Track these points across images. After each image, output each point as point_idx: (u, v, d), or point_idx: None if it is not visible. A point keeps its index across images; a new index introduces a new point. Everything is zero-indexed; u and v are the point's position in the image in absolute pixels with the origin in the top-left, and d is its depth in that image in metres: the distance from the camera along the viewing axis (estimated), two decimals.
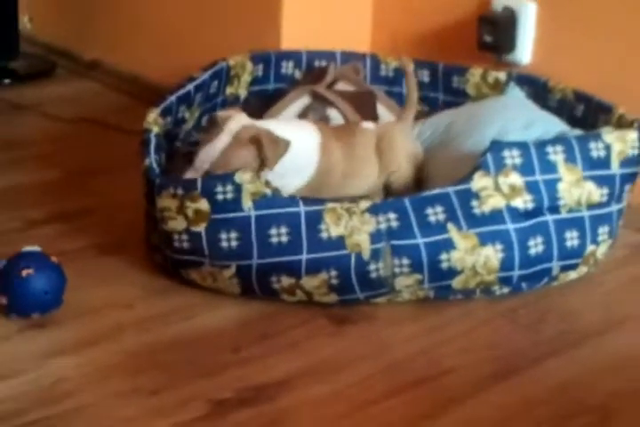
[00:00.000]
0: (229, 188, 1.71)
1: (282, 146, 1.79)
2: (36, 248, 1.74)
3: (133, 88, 2.90)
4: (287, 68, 2.41)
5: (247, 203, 1.71)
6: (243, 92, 2.36)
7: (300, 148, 1.83)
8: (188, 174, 1.78)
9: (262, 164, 1.78)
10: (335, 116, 2.20)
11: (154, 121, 1.94)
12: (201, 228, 1.73)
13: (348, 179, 1.92)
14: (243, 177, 1.71)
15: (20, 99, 2.87)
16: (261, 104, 2.30)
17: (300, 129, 1.91)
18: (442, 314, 1.78)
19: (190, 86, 2.15)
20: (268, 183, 1.72)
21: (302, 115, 2.21)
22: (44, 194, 2.25)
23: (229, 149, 1.78)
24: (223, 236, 1.72)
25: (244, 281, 1.75)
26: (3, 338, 1.66)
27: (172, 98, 2.08)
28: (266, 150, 1.76)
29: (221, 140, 1.78)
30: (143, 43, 2.93)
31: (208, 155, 1.78)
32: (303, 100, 2.25)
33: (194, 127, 2.20)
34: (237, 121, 1.81)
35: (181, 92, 2.12)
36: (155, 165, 1.82)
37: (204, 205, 1.72)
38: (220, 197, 1.71)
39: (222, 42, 2.63)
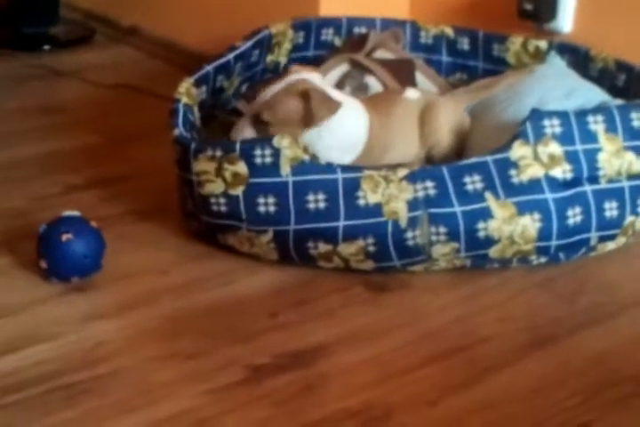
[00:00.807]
0: (268, 151, 1.71)
1: (331, 106, 1.80)
2: (75, 213, 1.76)
3: (171, 54, 2.90)
4: (327, 34, 2.40)
5: (285, 168, 1.71)
6: (283, 60, 2.36)
7: (352, 126, 1.86)
8: (243, 119, 1.81)
9: (307, 119, 1.78)
10: (373, 83, 2.19)
11: (185, 91, 1.94)
12: (239, 191, 1.74)
13: (386, 150, 1.91)
14: (281, 142, 1.71)
15: (59, 65, 2.89)
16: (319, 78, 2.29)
17: (353, 108, 1.89)
18: (478, 283, 1.78)
19: (230, 56, 2.14)
20: (306, 149, 1.72)
21: (340, 82, 2.21)
22: (83, 159, 2.26)
23: (278, 95, 1.80)
24: (261, 200, 1.73)
25: (282, 247, 1.75)
26: (43, 301, 1.69)
27: (209, 68, 2.08)
28: (313, 106, 1.77)
29: (276, 86, 1.81)
30: (181, 9, 2.93)
31: (261, 98, 1.81)
32: (342, 68, 2.24)
33: (233, 95, 2.20)
34: (300, 74, 1.83)
35: (220, 61, 2.11)
36: (185, 133, 1.82)
37: (242, 168, 1.72)
38: (258, 160, 1.72)
39: (260, 9, 2.62)
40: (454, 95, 2.10)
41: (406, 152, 1.94)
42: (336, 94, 1.87)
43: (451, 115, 1.98)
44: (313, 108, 1.77)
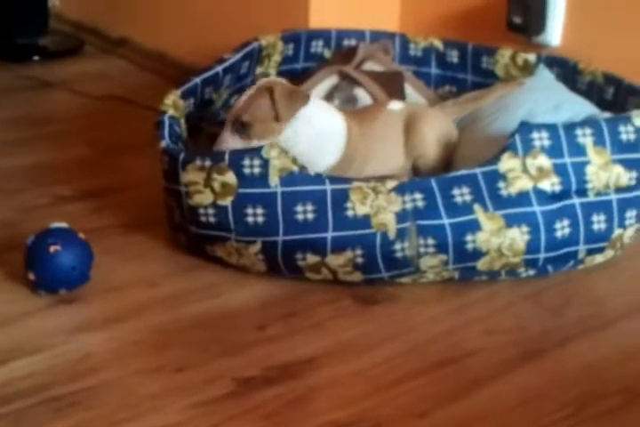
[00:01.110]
0: (256, 162, 1.71)
1: (298, 98, 1.83)
2: (63, 224, 1.75)
3: (161, 66, 2.91)
4: (317, 46, 2.41)
5: (274, 179, 1.71)
6: (272, 72, 2.36)
7: (325, 123, 1.87)
8: (224, 129, 1.84)
9: (277, 114, 1.81)
10: (362, 95, 2.20)
11: (172, 103, 1.95)
12: (227, 201, 1.74)
13: (367, 161, 1.92)
14: (270, 152, 1.71)
15: (48, 76, 2.89)
16: (290, 83, 2.29)
17: (327, 109, 1.92)
18: (466, 295, 1.78)
19: (219, 68, 2.15)
20: (295, 160, 1.72)
21: (330, 94, 2.21)
22: (72, 171, 2.26)
23: (251, 96, 1.82)
24: (249, 211, 1.73)
25: (270, 258, 1.76)
26: (31, 313, 1.68)
27: (197, 80, 2.08)
28: (276, 99, 1.80)
29: (248, 91, 1.84)
30: (171, 21, 2.93)
31: (237, 104, 1.84)
32: (331, 80, 2.25)
33: (222, 108, 2.21)
34: (268, 79, 1.89)
35: (208, 74, 2.12)
36: (172, 144, 1.82)
37: (231, 178, 1.73)
38: (247, 170, 1.72)
39: (250, 21, 2.62)
40: (443, 107, 2.11)
41: (390, 163, 1.95)
42: (314, 101, 1.89)
43: (437, 126, 1.99)
44: (277, 102, 1.80)
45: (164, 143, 1.82)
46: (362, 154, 1.91)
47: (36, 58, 3.05)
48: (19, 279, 1.75)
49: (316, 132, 1.86)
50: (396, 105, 2.02)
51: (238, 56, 2.21)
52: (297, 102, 1.83)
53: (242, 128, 1.82)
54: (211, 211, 1.75)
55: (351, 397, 1.49)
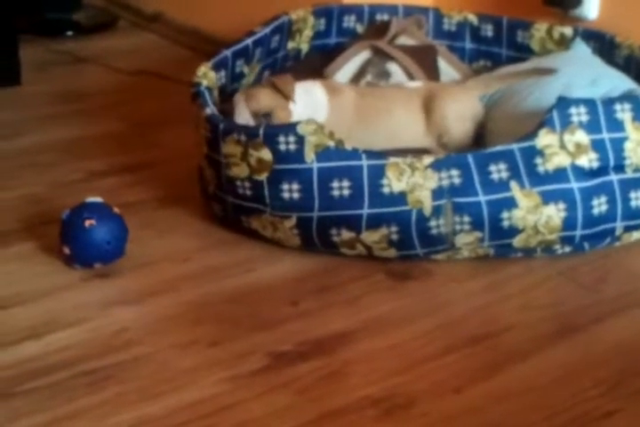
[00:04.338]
0: (292, 138, 1.71)
1: (288, 80, 1.91)
2: (98, 199, 1.76)
3: (194, 41, 2.90)
4: (349, 21, 2.39)
5: (310, 155, 1.71)
6: (304, 47, 2.35)
7: (308, 92, 1.94)
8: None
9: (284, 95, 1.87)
10: (395, 70, 2.19)
11: (203, 75, 1.95)
12: (263, 177, 1.73)
13: (367, 133, 1.94)
14: (305, 128, 1.70)
15: (82, 51, 2.89)
16: (323, 58, 2.29)
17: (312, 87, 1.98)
18: (501, 272, 1.77)
19: (249, 41, 2.14)
20: (331, 135, 1.71)
21: (362, 69, 2.20)
22: (106, 145, 2.26)
23: (250, 103, 1.87)
24: (285, 186, 1.72)
25: (305, 232, 1.75)
26: (66, 287, 1.69)
27: (227, 52, 2.07)
28: (280, 85, 1.86)
29: (239, 108, 1.88)
30: None
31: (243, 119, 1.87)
32: (364, 55, 2.23)
33: (254, 81, 2.20)
34: (237, 94, 1.93)
35: (238, 46, 2.11)
36: (216, 112, 1.82)
37: (266, 154, 1.72)
38: (282, 147, 1.71)
39: None
40: (475, 82, 2.09)
41: (403, 137, 1.95)
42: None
43: (457, 103, 1.98)
44: (282, 87, 1.88)
45: (209, 110, 1.82)
46: (357, 125, 1.94)
47: (69, 33, 3.05)
48: (54, 253, 1.76)
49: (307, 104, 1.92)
50: (413, 83, 2.05)
51: (267, 30, 2.20)
52: (290, 83, 1.90)
53: (265, 120, 1.85)
54: (247, 184, 1.75)
55: (385, 372, 1.49)
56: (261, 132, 1.72)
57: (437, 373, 1.49)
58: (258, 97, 1.88)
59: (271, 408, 1.41)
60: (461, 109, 1.98)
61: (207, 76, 1.96)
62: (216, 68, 2.01)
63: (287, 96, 1.88)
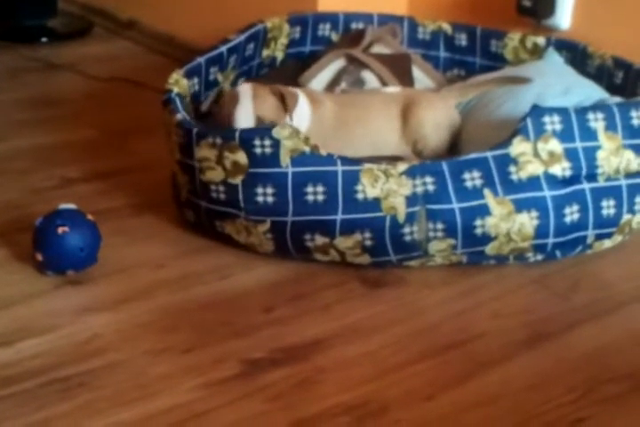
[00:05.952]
0: (267, 142, 1.71)
1: (295, 95, 1.89)
2: (71, 206, 1.75)
3: (169, 48, 2.90)
4: (324, 30, 2.40)
5: (285, 159, 1.71)
6: (279, 55, 2.36)
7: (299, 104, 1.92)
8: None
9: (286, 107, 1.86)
10: (370, 78, 2.19)
11: (175, 82, 1.94)
12: (238, 180, 1.74)
13: (346, 140, 1.94)
14: (280, 132, 1.70)
15: (56, 57, 2.88)
16: (297, 67, 2.29)
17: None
18: (474, 279, 1.78)
19: (223, 48, 2.14)
20: (307, 140, 1.72)
21: (337, 77, 2.21)
22: (79, 152, 2.26)
23: (258, 105, 1.83)
24: (259, 190, 1.72)
25: (279, 237, 1.75)
26: (39, 294, 1.68)
27: (201, 59, 2.07)
28: (288, 99, 1.85)
29: (244, 105, 1.83)
30: (179, 3, 2.92)
31: (246, 120, 1.82)
32: (338, 63, 2.24)
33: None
34: (245, 86, 1.88)
35: (212, 53, 2.11)
36: (187, 117, 1.82)
37: (242, 157, 1.72)
38: (258, 150, 1.71)
39: (259, 3, 2.61)
40: (445, 91, 2.10)
41: (379, 144, 1.96)
42: None
43: (434, 110, 1.99)
44: (288, 101, 1.86)
45: (180, 116, 1.82)
46: (335, 134, 1.94)
47: (44, 40, 3.04)
48: (27, 260, 1.75)
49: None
50: (390, 89, 2.04)
51: (242, 37, 2.21)
52: (296, 98, 1.89)
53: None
54: (222, 188, 1.75)
55: (358, 379, 1.49)
56: (237, 135, 1.73)
57: (410, 380, 1.49)
58: (267, 104, 1.85)
59: (244, 415, 1.41)
60: (439, 117, 1.98)
61: (179, 83, 1.96)
62: (188, 75, 2.01)
63: (289, 110, 1.86)
